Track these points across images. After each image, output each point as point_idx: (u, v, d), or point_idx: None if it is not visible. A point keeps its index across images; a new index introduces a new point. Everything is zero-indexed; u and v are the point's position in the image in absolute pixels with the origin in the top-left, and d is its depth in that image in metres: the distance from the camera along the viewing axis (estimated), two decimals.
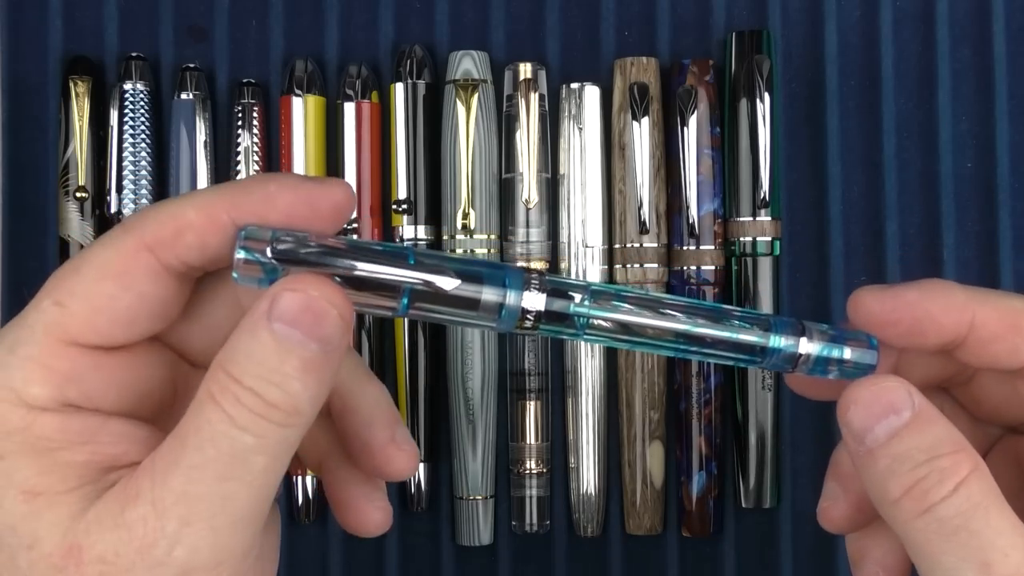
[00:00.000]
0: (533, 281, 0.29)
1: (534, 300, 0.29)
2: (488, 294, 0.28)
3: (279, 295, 0.26)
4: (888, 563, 0.32)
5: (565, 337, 0.30)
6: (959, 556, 0.27)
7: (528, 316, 0.29)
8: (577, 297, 0.29)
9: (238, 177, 0.50)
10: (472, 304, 0.28)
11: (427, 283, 0.28)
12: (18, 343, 0.27)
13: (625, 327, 0.29)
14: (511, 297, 0.28)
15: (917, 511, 0.27)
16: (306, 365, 0.26)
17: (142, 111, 0.50)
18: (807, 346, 0.29)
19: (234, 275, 0.27)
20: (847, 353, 0.29)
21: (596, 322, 0.29)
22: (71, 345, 0.28)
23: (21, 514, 0.26)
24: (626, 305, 0.29)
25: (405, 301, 0.28)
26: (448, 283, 0.28)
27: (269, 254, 0.27)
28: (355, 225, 0.49)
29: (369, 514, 0.32)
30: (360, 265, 0.27)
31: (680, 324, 0.29)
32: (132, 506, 0.26)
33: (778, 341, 0.29)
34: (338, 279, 0.27)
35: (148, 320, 0.28)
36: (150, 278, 0.28)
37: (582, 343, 0.49)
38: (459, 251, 0.49)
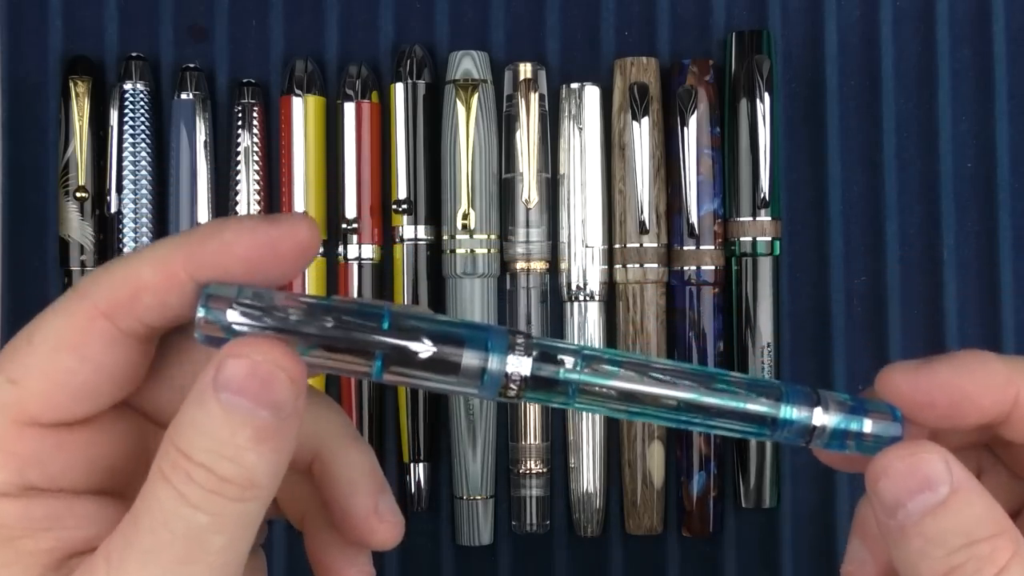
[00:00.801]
0: (518, 344, 0.26)
1: (519, 364, 0.26)
2: (469, 358, 0.26)
3: (223, 362, 0.24)
4: None
5: (554, 406, 0.27)
6: None
7: (513, 382, 0.26)
8: (567, 362, 0.27)
9: (238, 178, 0.50)
10: (452, 369, 0.26)
11: (399, 349, 0.26)
12: None
13: (622, 395, 0.27)
14: (494, 362, 0.26)
15: None
16: (259, 434, 0.24)
17: (142, 111, 0.50)
18: (823, 417, 0.27)
19: (197, 335, 0.25)
20: (868, 427, 0.27)
21: (588, 389, 0.27)
22: (30, 425, 0.26)
23: None
24: (623, 371, 0.27)
25: (379, 364, 0.26)
26: (423, 349, 0.26)
27: (229, 318, 0.25)
28: (355, 225, 0.49)
29: None
30: (328, 329, 0.25)
31: (683, 392, 0.27)
32: None
33: (790, 412, 0.27)
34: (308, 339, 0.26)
35: (110, 389, 0.27)
36: (109, 346, 0.26)
37: (584, 338, 0.49)
38: (460, 251, 0.49)
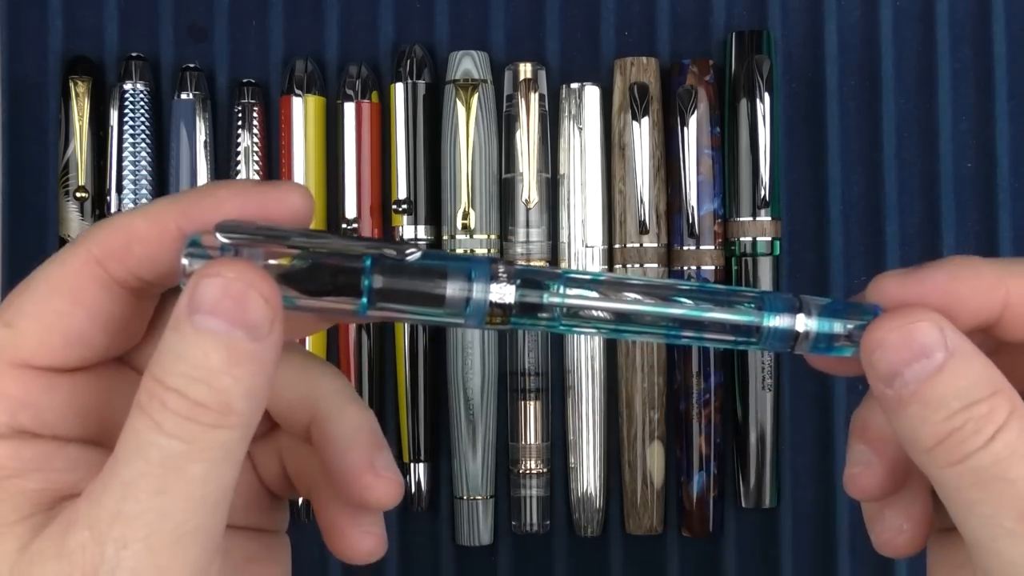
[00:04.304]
0: (501, 272, 0.26)
1: (503, 292, 0.26)
2: (453, 289, 0.26)
3: (196, 283, 0.24)
4: (914, 513, 0.29)
5: (542, 329, 0.27)
6: (996, 505, 0.25)
7: (498, 309, 0.26)
8: (551, 286, 0.27)
9: (238, 178, 0.50)
10: (437, 300, 0.26)
11: (386, 255, 0.26)
12: None
13: (608, 314, 0.27)
14: (478, 291, 0.26)
15: (951, 461, 0.25)
16: (233, 357, 0.24)
17: (142, 111, 0.50)
18: (805, 322, 0.27)
19: (181, 284, 0.25)
20: (851, 327, 0.27)
21: (574, 311, 0.27)
22: (23, 368, 0.26)
23: None
24: (606, 291, 0.27)
25: (365, 301, 0.26)
26: (410, 254, 0.26)
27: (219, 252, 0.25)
28: (355, 225, 0.49)
29: (356, 539, 0.30)
30: (314, 243, 0.25)
31: (666, 308, 0.27)
32: (72, 533, 0.24)
33: (773, 319, 0.27)
34: (293, 273, 0.25)
35: (103, 339, 0.27)
36: (102, 293, 0.26)
37: (583, 338, 0.49)
38: (459, 251, 0.49)
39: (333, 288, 0.26)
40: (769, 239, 0.49)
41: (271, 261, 0.26)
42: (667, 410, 0.49)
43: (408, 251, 0.26)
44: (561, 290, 0.27)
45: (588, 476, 0.49)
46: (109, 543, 0.24)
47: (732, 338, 0.27)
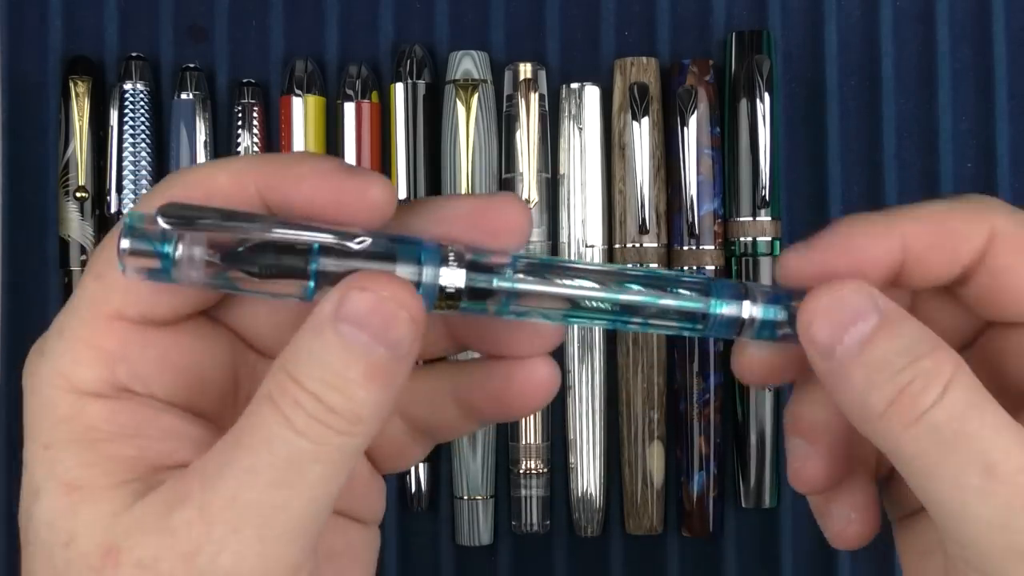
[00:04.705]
0: (451, 255, 0.26)
1: (453, 276, 0.26)
2: (403, 272, 0.26)
3: (346, 294, 0.24)
4: (858, 503, 0.30)
5: (491, 315, 0.27)
6: (960, 462, 0.25)
7: (447, 294, 0.26)
8: (501, 270, 0.27)
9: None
10: None
11: (337, 242, 0.25)
12: (65, 326, 0.26)
13: (557, 300, 0.27)
14: (428, 275, 0.26)
15: (907, 421, 0.25)
16: (371, 371, 0.24)
17: (142, 111, 0.50)
18: (751, 309, 0.27)
19: (120, 266, 0.25)
20: (792, 308, 0.27)
21: (522, 296, 0.27)
22: (117, 319, 0.26)
23: (60, 509, 0.25)
24: (555, 276, 0.27)
25: (312, 284, 0.25)
26: (358, 241, 0.25)
27: (160, 233, 0.25)
28: None
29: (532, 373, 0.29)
30: (263, 229, 0.25)
31: (614, 294, 0.27)
32: (179, 509, 0.24)
33: (719, 306, 0.27)
34: (239, 251, 0.25)
35: (194, 289, 0.27)
36: None
37: (583, 338, 0.49)
38: None
39: (280, 271, 0.26)
40: (769, 239, 0.49)
41: (218, 242, 0.25)
42: (667, 410, 0.49)
43: (358, 239, 0.26)
44: (510, 275, 0.27)
45: (588, 476, 0.49)
46: (219, 525, 0.24)
47: (679, 324, 0.28)
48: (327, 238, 0.26)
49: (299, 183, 0.26)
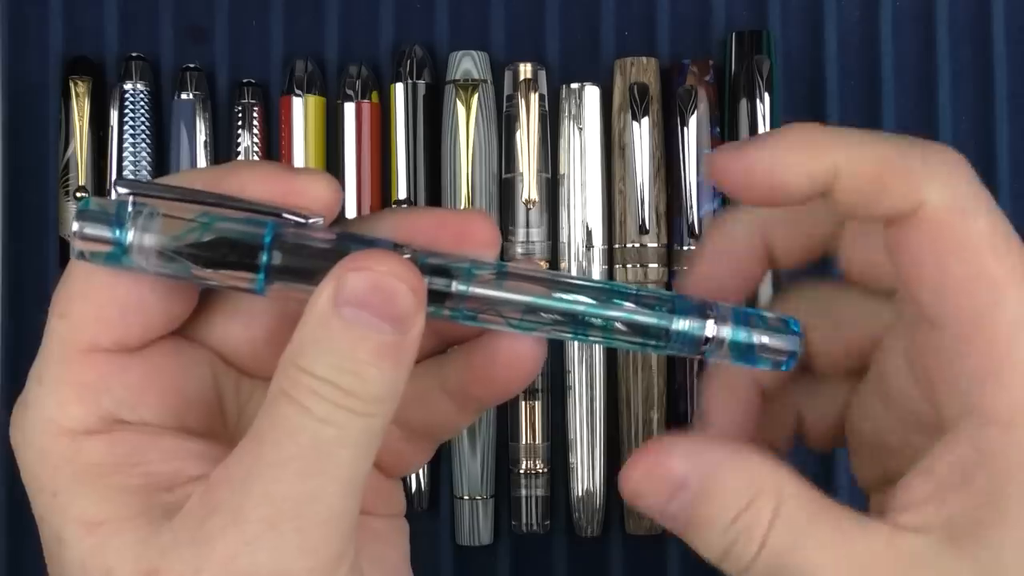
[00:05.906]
0: (406, 256, 0.26)
1: None
2: None
3: (342, 276, 0.24)
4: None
5: (445, 319, 0.27)
6: None
7: None
8: (458, 275, 0.26)
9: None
10: None
11: (292, 221, 0.25)
12: (43, 372, 0.26)
13: (514, 308, 0.27)
14: None
15: (739, 571, 0.27)
16: (381, 349, 0.24)
17: (142, 111, 0.50)
18: (715, 328, 0.27)
19: (73, 252, 0.25)
20: (763, 339, 0.27)
21: (479, 303, 0.26)
22: (91, 352, 0.26)
23: (88, 548, 0.25)
24: (515, 284, 0.26)
25: (262, 277, 0.25)
26: (315, 223, 0.25)
27: (114, 218, 0.25)
28: None
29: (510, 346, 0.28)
30: (220, 203, 0.25)
31: (576, 306, 0.27)
32: (211, 518, 0.24)
33: (683, 323, 0.27)
34: (193, 238, 0.25)
35: (158, 304, 0.27)
36: None
37: (588, 344, 0.49)
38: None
39: (231, 262, 0.25)
40: None
41: (171, 232, 0.25)
42: (667, 410, 0.49)
43: (312, 219, 0.26)
44: (467, 281, 0.26)
45: (588, 476, 0.49)
46: (254, 524, 0.24)
47: (641, 340, 0.27)
48: (286, 215, 0.26)
49: (243, 189, 0.26)
